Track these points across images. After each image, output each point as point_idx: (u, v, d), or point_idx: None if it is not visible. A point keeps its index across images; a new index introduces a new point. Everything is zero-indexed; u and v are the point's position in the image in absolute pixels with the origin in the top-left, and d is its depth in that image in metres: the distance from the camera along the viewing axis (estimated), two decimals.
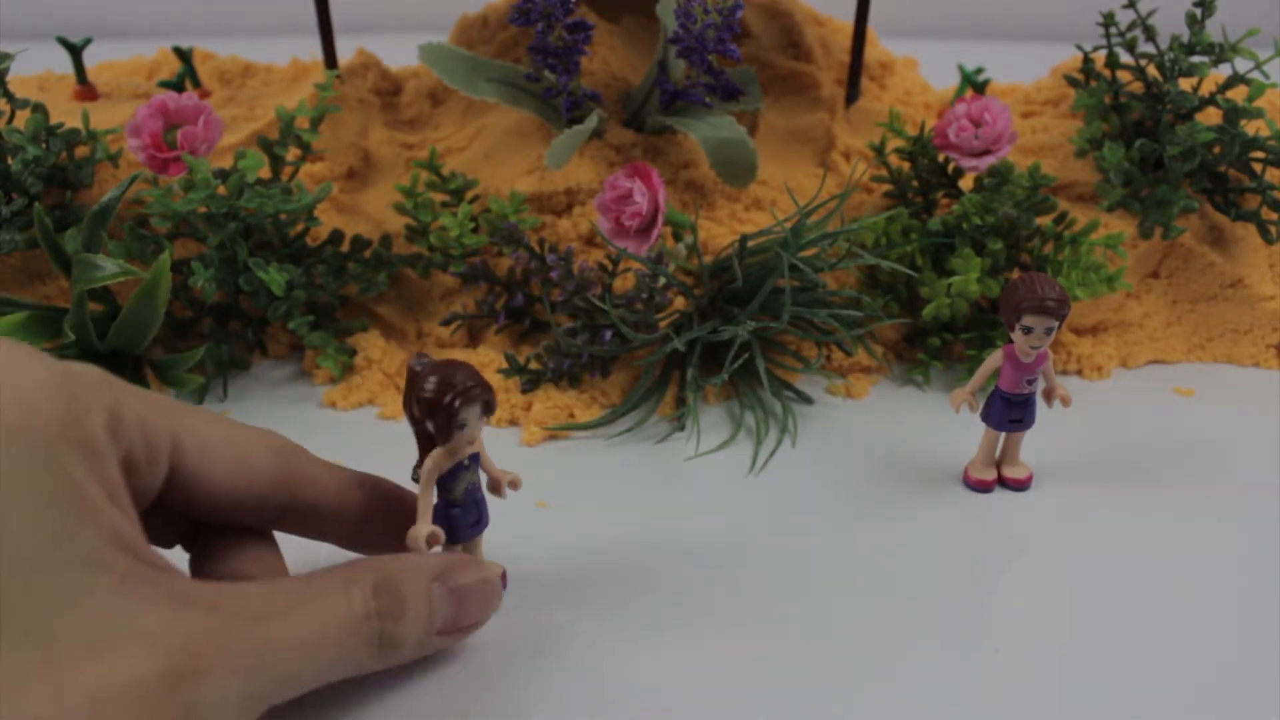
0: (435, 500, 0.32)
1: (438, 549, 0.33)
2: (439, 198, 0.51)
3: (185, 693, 0.24)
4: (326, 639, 0.28)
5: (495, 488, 0.34)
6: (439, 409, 0.30)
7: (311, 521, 0.32)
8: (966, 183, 0.53)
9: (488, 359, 0.47)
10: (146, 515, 0.28)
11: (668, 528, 0.38)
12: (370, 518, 0.33)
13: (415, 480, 0.32)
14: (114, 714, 0.23)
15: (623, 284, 0.48)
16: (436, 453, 0.32)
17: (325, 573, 0.29)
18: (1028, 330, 0.36)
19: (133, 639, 0.24)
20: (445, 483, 0.32)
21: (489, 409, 0.31)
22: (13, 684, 0.22)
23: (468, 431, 0.31)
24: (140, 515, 0.27)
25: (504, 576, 0.35)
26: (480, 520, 0.34)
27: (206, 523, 0.31)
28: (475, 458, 0.33)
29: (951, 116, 0.48)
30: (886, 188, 0.53)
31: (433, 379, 0.30)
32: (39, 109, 0.46)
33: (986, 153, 0.47)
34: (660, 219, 0.45)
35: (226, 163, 0.51)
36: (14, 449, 0.24)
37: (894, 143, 0.53)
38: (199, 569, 0.31)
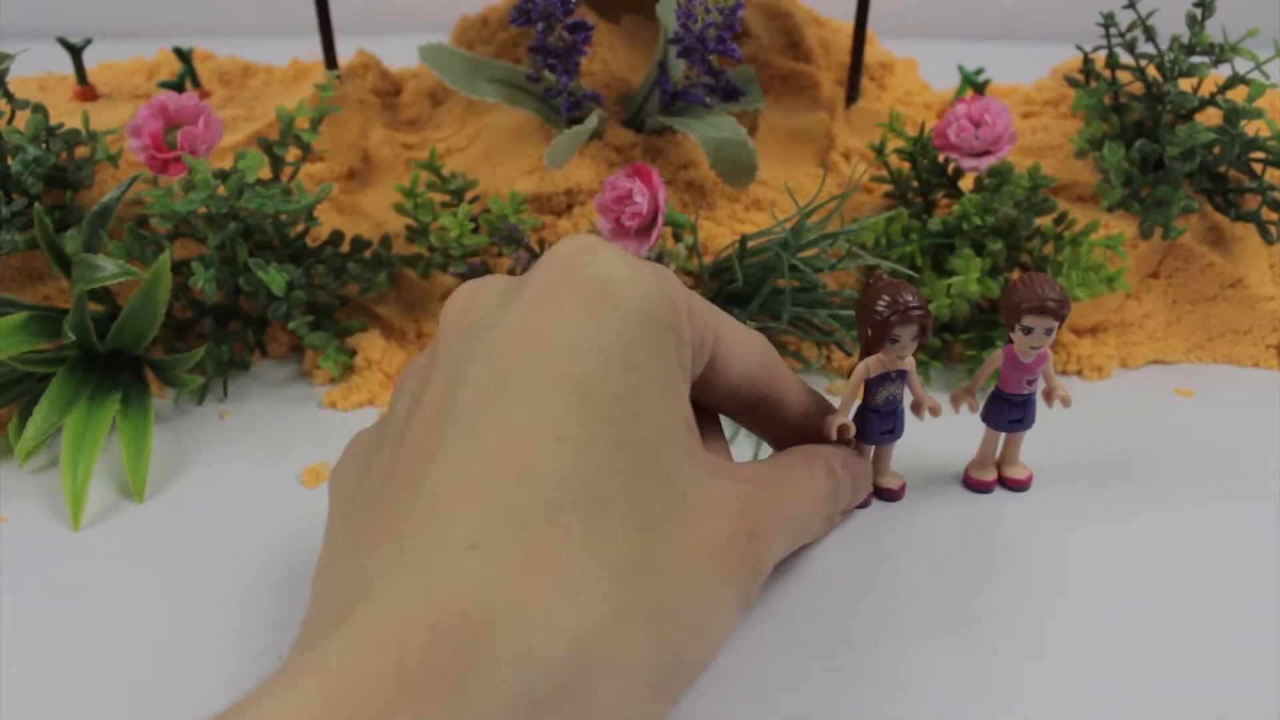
0: (859, 401, 0.37)
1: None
2: (439, 198, 0.51)
3: (756, 549, 0.29)
4: (813, 511, 0.34)
5: (916, 408, 0.38)
6: (879, 321, 0.34)
7: (772, 414, 0.35)
8: (966, 183, 0.53)
9: None
10: None
11: None
12: (808, 420, 0.36)
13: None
14: (718, 563, 0.27)
15: None
16: (871, 359, 0.36)
17: (784, 456, 0.35)
18: (1027, 330, 0.36)
19: (718, 504, 0.28)
20: (871, 387, 0.36)
21: (924, 332, 0.35)
22: (656, 530, 0.26)
23: (899, 347, 0.35)
24: None
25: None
26: (894, 430, 0.38)
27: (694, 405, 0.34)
28: (904, 374, 0.36)
29: (951, 117, 0.48)
30: (886, 188, 0.53)
31: (884, 295, 0.34)
32: (39, 109, 0.46)
33: (986, 153, 0.47)
34: (660, 219, 0.45)
35: (226, 163, 0.51)
36: (645, 332, 0.27)
37: (894, 143, 0.53)
38: None
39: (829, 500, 0.35)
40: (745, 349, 0.33)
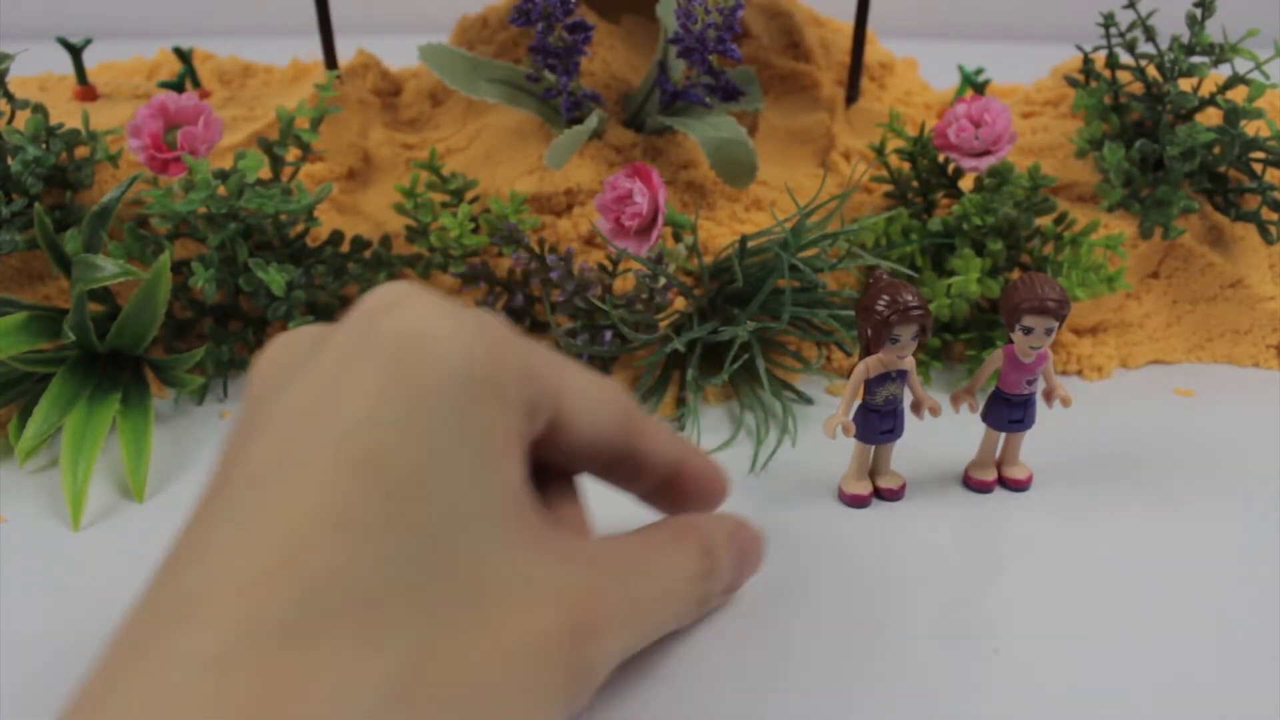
0: (859, 401, 0.37)
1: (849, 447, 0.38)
2: (439, 198, 0.51)
3: (586, 647, 0.25)
4: (674, 596, 0.30)
5: (915, 408, 0.38)
6: (879, 321, 0.35)
7: (631, 471, 0.31)
8: (966, 183, 0.53)
9: None
10: None
11: None
12: (678, 475, 0.32)
13: None
14: (533, 666, 0.24)
15: (623, 284, 0.48)
16: (871, 359, 0.36)
17: (651, 530, 0.30)
18: (1028, 330, 0.36)
19: (540, 595, 0.24)
20: (871, 387, 0.37)
21: (924, 331, 0.35)
22: (447, 633, 0.23)
23: (899, 346, 0.36)
24: None
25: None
26: (894, 430, 0.38)
27: (542, 466, 0.31)
28: (903, 374, 0.37)
29: (951, 117, 0.48)
30: (886, 188, 0.53)
31: (884, 295, 0.35)
32: (39, 109, 0.46)
33: (986, 153, 0.47)
34: (660, 219, 0.45)
35: (226, 163, 0.51)
36: (456, 395, 0.24)
37: (894, 143, 0.53)
38: None
39: (697, 583, 0.30)
40: (596, 404, 0.29)
